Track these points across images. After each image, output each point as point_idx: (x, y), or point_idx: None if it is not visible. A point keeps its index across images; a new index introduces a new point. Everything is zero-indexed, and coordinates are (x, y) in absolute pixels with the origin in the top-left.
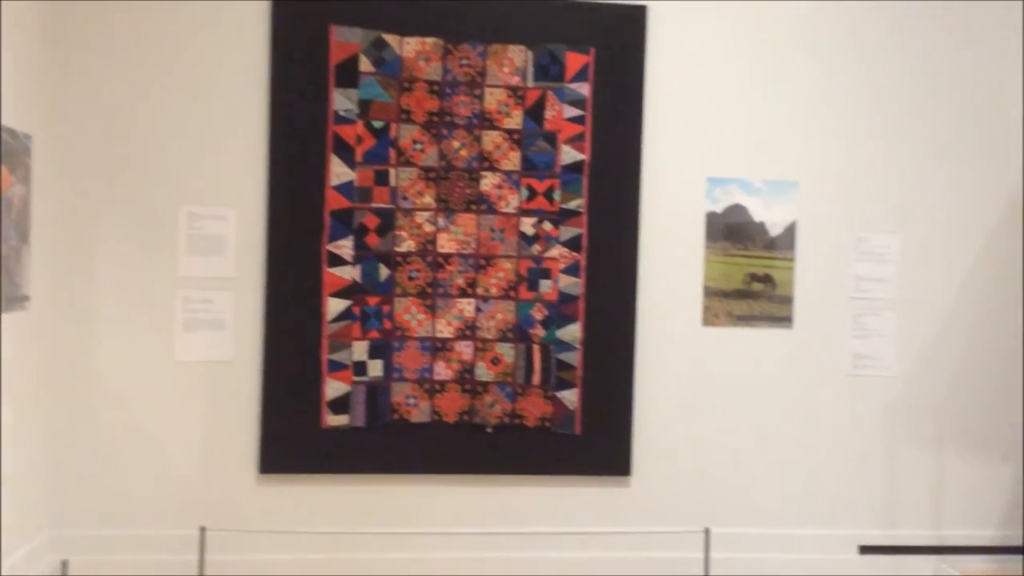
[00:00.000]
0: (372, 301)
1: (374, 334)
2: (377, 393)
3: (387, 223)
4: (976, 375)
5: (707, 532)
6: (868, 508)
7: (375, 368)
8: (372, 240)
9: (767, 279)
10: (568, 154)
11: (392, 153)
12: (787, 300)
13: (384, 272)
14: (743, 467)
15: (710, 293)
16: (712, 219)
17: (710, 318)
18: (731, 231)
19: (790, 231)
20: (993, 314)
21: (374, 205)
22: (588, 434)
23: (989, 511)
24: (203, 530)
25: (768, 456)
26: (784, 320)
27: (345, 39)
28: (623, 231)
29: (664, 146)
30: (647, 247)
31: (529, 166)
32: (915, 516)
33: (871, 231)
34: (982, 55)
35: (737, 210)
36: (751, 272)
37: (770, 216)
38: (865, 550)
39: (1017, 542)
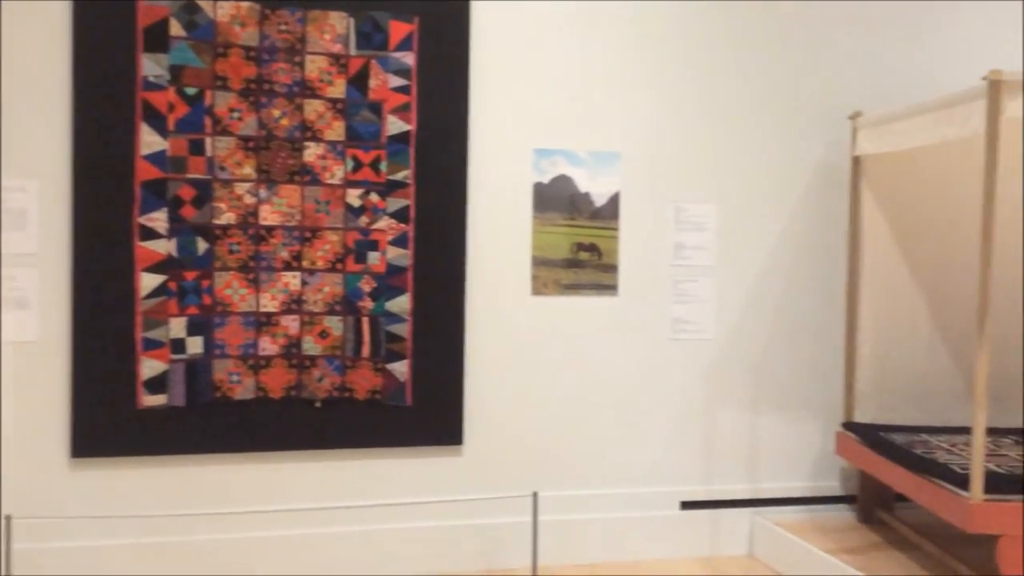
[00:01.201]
0: (190, 276)
1: (193, 310)
2: (197, 371)
3: (204, 194)
4: (788, 336)
5: (535, 496)
6: (689, 466)
7: (195, 345)
8: (188, 212)
9: (593, 248)
10: (394, 124)
11: (208, 121)
12: (612, 268)
13: (202, 245)
14: (572, 432)
15: (538, 263)
16: (539, 190)
17: (539, 287)
18: (558, 201)
19: (614, 201)
20: (802, 279)
21: (190, 176)
22: (419, 405)
23: (801, 464)
24: (8, 519)
25: (595, 420)
26: (610, 288)
27: (153, 2)
28: (451, 202)
29: (491, 117)
30: (475, 218)
31: (354, 136)
32: (733, 471)
33: (690, 201)
34: (789, 30)
35: (563, 181)
36: (578, 242)
37: (595, 187)
38: (686, 505)
39: (827, 492)
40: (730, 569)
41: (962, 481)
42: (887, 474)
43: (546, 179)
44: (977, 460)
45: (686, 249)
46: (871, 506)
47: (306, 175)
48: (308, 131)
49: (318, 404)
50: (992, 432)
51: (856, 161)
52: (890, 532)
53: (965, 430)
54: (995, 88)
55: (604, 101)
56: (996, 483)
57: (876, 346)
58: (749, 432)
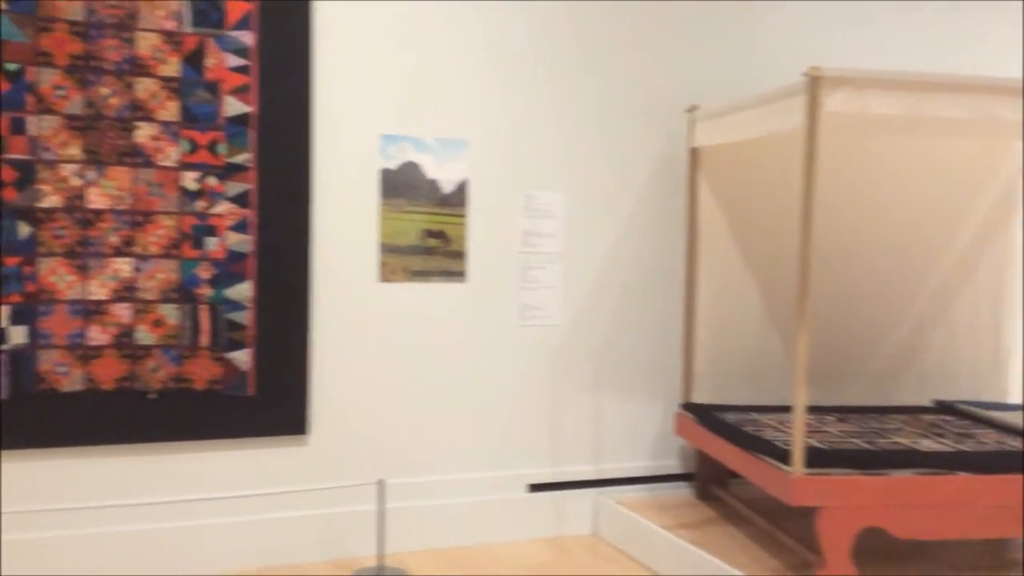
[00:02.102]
0: (11, 262)
1: (15, 298)
2: (21, 362)
3: (27, 176)
4: (631, 322)
5: (381, 483)
6: (536, 449)
7: (18, 335)
8: (9, 195)
9: (441, 235)
10: (232, 106)
11: (30, 99)
12: (460, 255)
13: (25, 230)
14: (420, 418)
15: (386, 249)
16: (387, 176)
17: (387, 274)
18: (405, 188)
19: (462, 188)
20: (644, 265)
21: (10, 156)
22: (262, 395)
23: (642, 444)
24: None
25: (443, 406)
26: (458, 275)
27: None
28: (295, 187)
29: (336, 101)
30: (321, 204)
31: (190, 117)
32: (578, 453)
33: (537, 189)
34: (634, 24)
35: (410, 167)
36: (426, 228)
37: (442, 173)
38: (533, 488)
39: (667, 471)
40: (575, 549)
41: (785, 457)
42: (720, 452)
43: (393, 165)
44: (798, 436)
45: (534, 236)
46: (707, 483)
47: (137, 157)
48: (139, 111)
49: (152, 396)
50: (816, 410)
51: (693, 153)
52: (724, 507)
53: (791, 408)
54: (814, 83)
55: (452, 88)
56: (817, 458)
57: (712, 330)
58: (593, 415)
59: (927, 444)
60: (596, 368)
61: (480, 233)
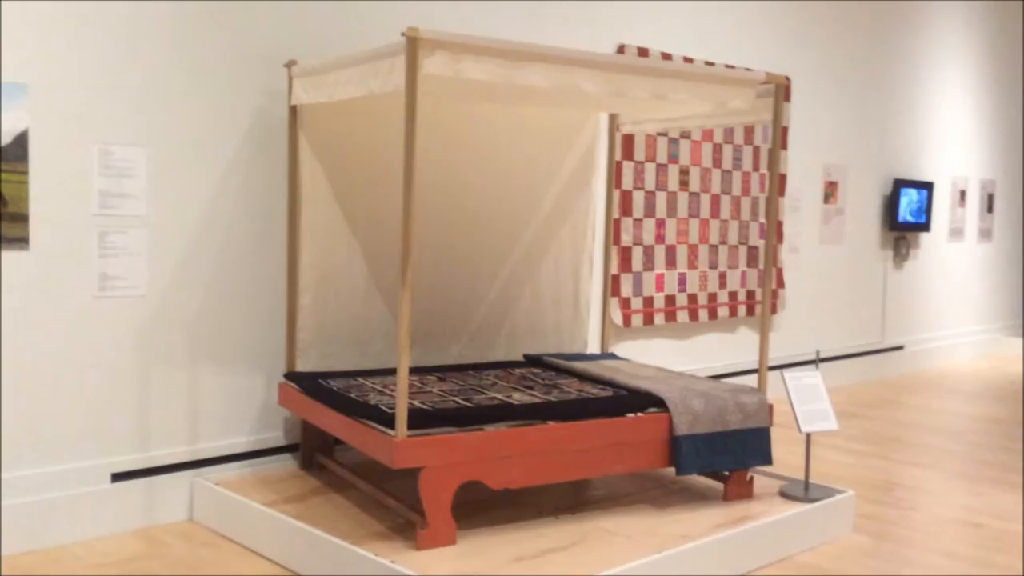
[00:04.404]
0: None
1: None
2: None
3: None
4: (229, 289)
5: None
6: (122, 434)
7: None
8: None
9: None
10: None
11: None
12: (22, 219)
13: None
14: None
15: None
16: None
17: None
18: None
19: (21, 141)
20: (242, 228)
21: None
22: None
23: (244, 419)
24: None
25: (9, 394)
26: (20, 241)
27: None
28: None
29: None
30: None
31: None
32: (172, 435)
33: (116, 143)
34: None
35: None
36: None
37: None
38: (117, 477)
39: (271, 444)
40: (166, 538)
41: (388, 420)
42: (325, 420)
43: None
44: (401, 401)
45: (112, 197)
46: (312, 453)
47: None
48: None
49: None
50: (418, 371)
51: (293, 111)
52: (330, 476)
53: (397, 371)
54: (413, 44)
55: (4, 20)
56: (419, 419)
57: (317, 295)
58: (188, 391)
59: (518, 397)
60: (190, 340)
61: (46, 193)
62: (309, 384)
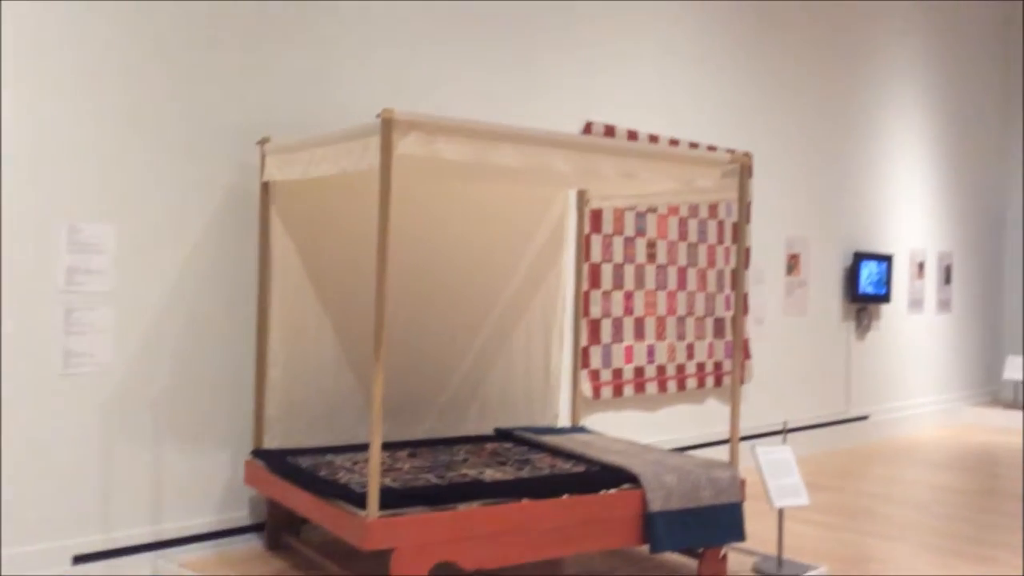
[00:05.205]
0: None
1: None
2: None
3: None
4: (196, 365)
5: None
6: (85, 514)
7: None
8: None
9: None
10: None
11: None
12: None
13: None
14: None
15: None
16: None
17: None
18: None
19: None
20: (212, 303)
21: None
22: None
23: (209, 497)
24: None
25: None
26: None
27: None
28: None
29: None
30: None
31: None
32: (135, 515)
33: (84, 219)
34: (211, 45)
35: None
36: None
37: None
38: (79, 559)
39: (237, 523)
40: None
41: (359, 500)
42: (293, 499)
43: None
44: (373, 479)
45: (81, 274)
46: (278, 533)
47: None
48: None
49: None
50: (389, 446)
51: (265, 187)
52: (298, 557)
53: (367, 446)
54: (388, 125)
55: None
56: (390, 498)
57: (286, 370)
58: (153, 470)
59: (491, 473)
60: (156, 417)
61: (12, 270)
62: (277, 462)
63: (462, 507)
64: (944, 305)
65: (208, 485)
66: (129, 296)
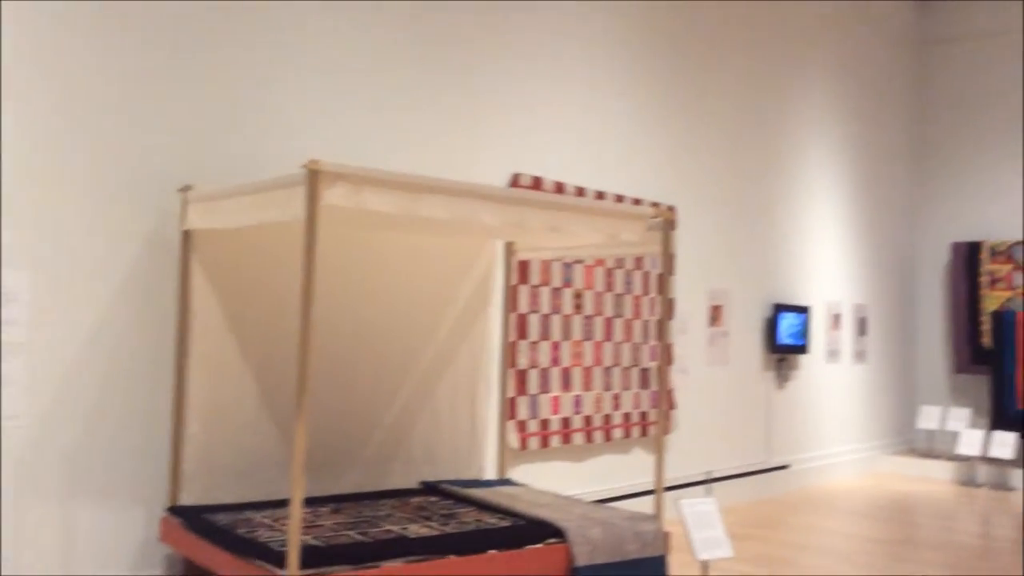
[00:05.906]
0: None
1: None
2: None
3: None
4: (112, 418)
5: None
6: None
7: None
8: None
9: None
10: None
11: None
12: None
13: None
14: None
15: None
16: None
17: None
18: None
19: None
20: (129, 354)
21: None
22: None
23: (123, 554)
24: None
25: None
26: None
27: None
28: None
29: None
30: None
31: None
32: (43, 572)
33: None
34: (126, 91)
35: None
36: None
37: None
38: None
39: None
40: None
41: (279, 559)
42: (211, 558)
43: None
44: (294, 536)
45: None
46: None
47: None
48: None
49: None
50: (311, 501)
51: (187, 235)
52: None
53: (288, 502)
54: (314, 176)
55: None
56: (312, 557)
57: (204, 424)
58: (63, 527)
59: (415, 529)
60: (68, 472)
61: None
62: (193, 519)
63: (386, 565)
64: (860, 356)
65: (122, 542)
66: (43, 346)
